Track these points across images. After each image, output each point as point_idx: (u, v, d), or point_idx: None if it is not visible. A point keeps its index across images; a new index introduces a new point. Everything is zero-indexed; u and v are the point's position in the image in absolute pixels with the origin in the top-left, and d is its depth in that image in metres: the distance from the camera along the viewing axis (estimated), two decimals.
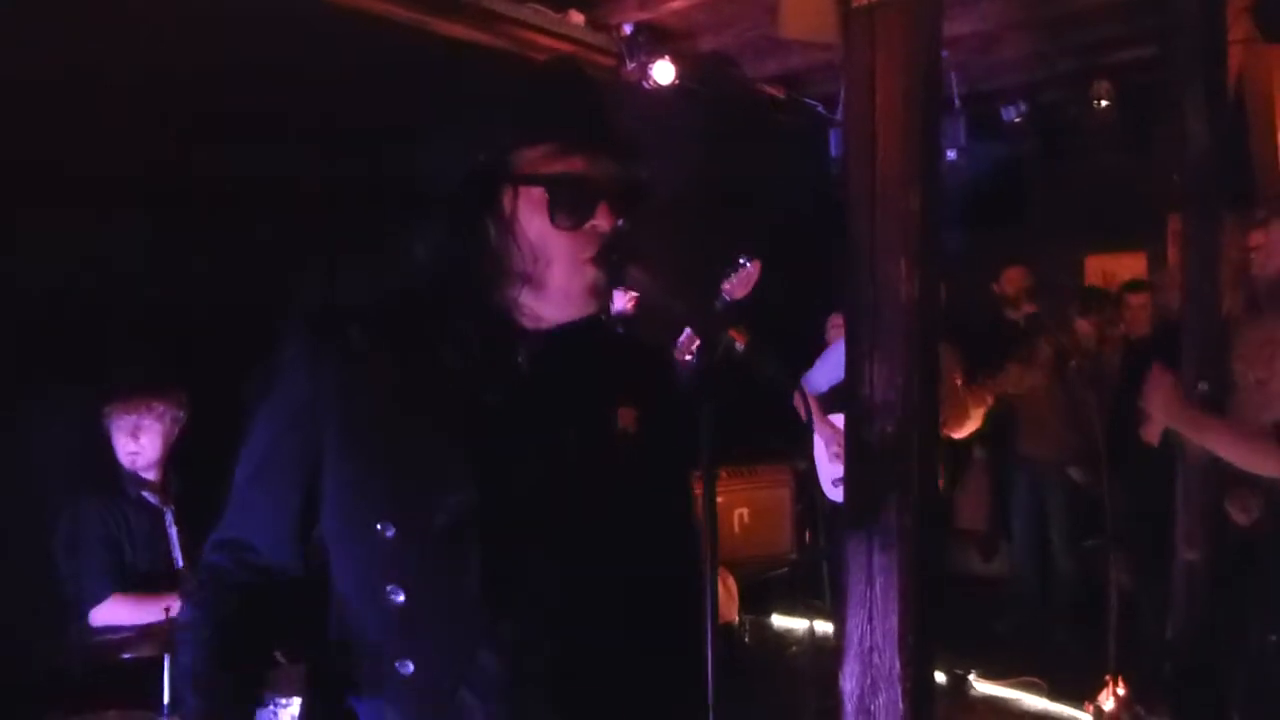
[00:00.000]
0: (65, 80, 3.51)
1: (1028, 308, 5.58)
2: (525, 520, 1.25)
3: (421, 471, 1.26)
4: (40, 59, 3.42)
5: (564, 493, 1.28)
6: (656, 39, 5.49)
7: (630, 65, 5.48)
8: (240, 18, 3.86)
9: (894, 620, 2.39)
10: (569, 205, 1.23)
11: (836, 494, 4.58)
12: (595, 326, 1.33)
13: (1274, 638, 2.22)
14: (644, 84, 5.51)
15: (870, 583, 2.43)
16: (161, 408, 3.17)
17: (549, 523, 1.26)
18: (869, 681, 2.43)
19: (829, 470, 4.66)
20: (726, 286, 3.91)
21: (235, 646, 1.33)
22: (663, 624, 1.33)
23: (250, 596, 1.35)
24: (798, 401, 4.63)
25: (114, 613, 3.01)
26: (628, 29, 5.43)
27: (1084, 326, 5.76)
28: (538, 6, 5.05)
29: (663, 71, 5.49)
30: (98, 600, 3.02)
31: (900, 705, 2.40)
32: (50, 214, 3.45)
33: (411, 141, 1.36)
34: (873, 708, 2.43)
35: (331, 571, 1.34)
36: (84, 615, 3.03)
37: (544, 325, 1.30)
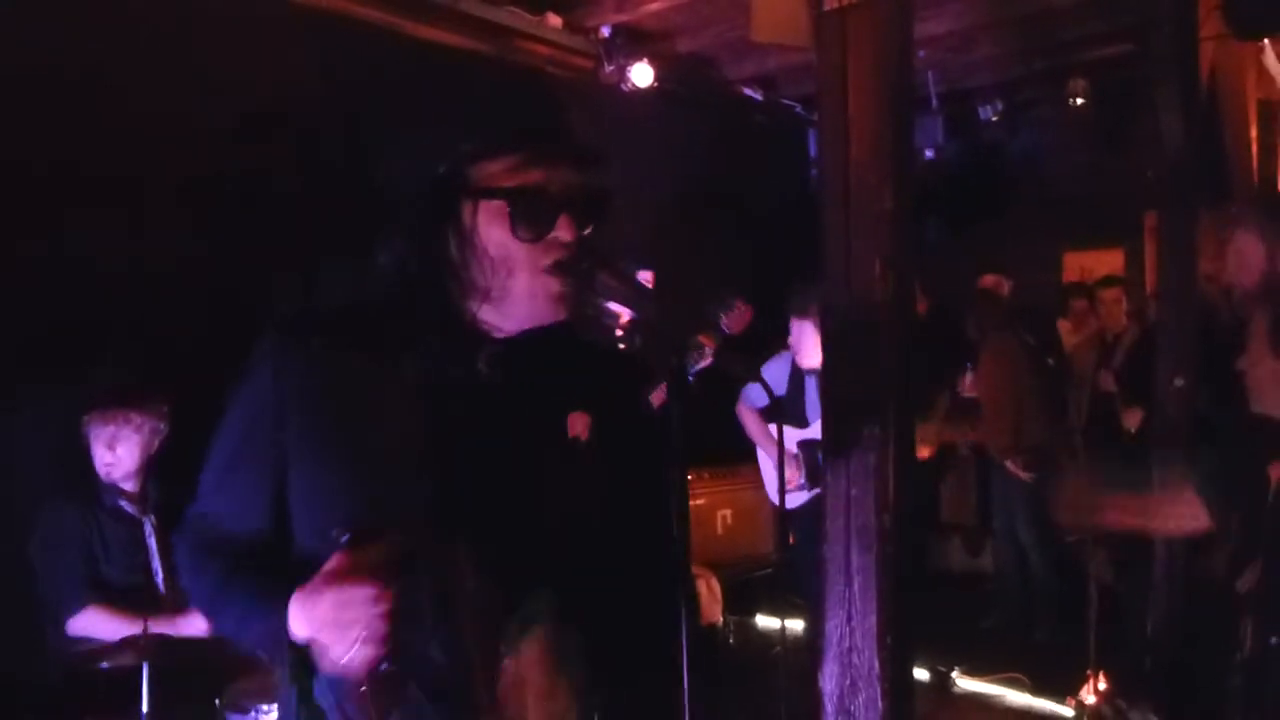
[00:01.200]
0: (52, 85, 3.50)
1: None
2: (476, 524, 1.26)
3: (378, 474, 1.27)
4: (22, 58, 3.41)
5: (517, 497, 1.28)
6: (634, 41, 5.50)
7: (609, 67, 5.49)
8: (212, 20, 3.87)
9: (873, 620, 2.40)
10: (529, 217, 1.23)
11: (786, 501, 4.61)
12: (557, 334, 1.31)
13: (1274, 640, 2.22)
14: (622, 86, 5.52)
15: (849, 583, 2.44)
16: (140, 419, 3.13)
17: (500, 527, 1.27)
18: (848, 682, 2.44)
19: (770, 476, 4.71)
20: (723, 323, 4.01)
21: (240, 562, 1.34)
22: (619, 623, 1.34)
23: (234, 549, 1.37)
24: (739, 414, 4.69)
25: (91, 624, 2.99)
26: (606, 31, 5.44)
27: (1064, 325, 5.83)
28: (515, 9, 5.06)
29: (641, 74, 5.50)
30: (75, 610, 2.99)
31: (880, 704, 2.41)
32: (30, 218, 3.44)
33: (383, 148, 1.35)
34: (852, 708, 2.44)
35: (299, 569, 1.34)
36: (61, 622, 3.00)
37: (505, 332, 1.30)
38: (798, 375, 4.36)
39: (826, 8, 2.42)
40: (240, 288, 3.82)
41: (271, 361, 1.32)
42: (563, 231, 1.24)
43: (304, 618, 1.20)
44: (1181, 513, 2.35)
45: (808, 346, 4.06)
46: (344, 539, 1.23)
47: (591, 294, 1.27)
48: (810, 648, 4.55)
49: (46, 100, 3.51)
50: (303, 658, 1.28)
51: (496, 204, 1.23)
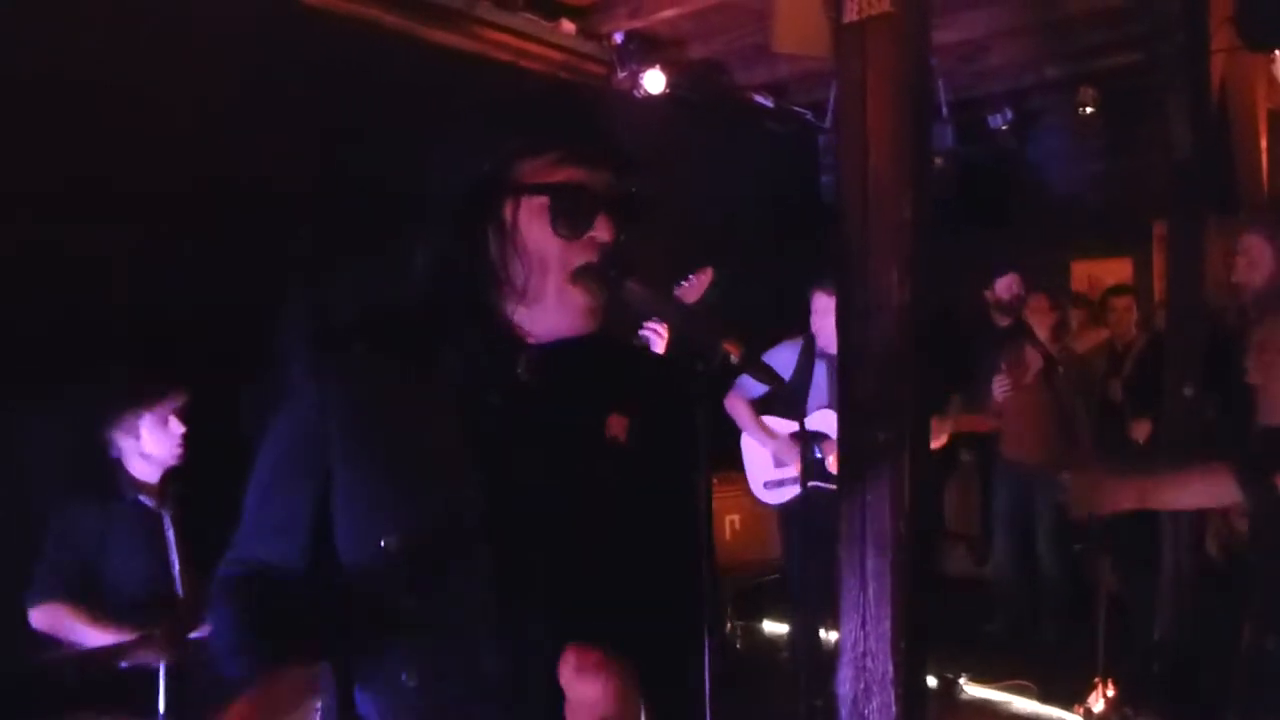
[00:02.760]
0: (62, 84, 3.52)
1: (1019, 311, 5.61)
2: (525, 529, 1.27)
3: (426, 482, 1.28)
4: (28, 60, 3.44)
5: (562, 501, 1.29)
6: (647, 48, 5.53)
7: (621, 74, 5.52)
8: (233, 24, 3.90)
9: (887, 625, 2.42)
10: (570, 213, 1.25)
11: (767, 495, 4.60)
12: (593, 338, 1.33)
13: (1271, 643, 2.25)
14: (635, 92, 5.55)
15: (864, 588, 2.46)
16: (166, 411, 3.17)
17: (548, 531, 1.27)
18: (862, 686, 2.46)
19: (759, 472, 4.63)
20: (677, 294, 3.93)
21: (269, 622, 1.34)
22: (658, 624, 1.33)
23: (271, 588, 1.36)
24: (729, 405, 4.61)
25: (53, 620, 2.95)
26: (619, 38, 5.47)
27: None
28: (530, 16, 5.09)
29: (653, 80, 5.53)
30: (38, 602, 2.96)
31: (894, 709, 2.43)
32: (45, 217, 3.46)
33: (402, 149, 1.37)
34: (866, 711, 2.46)
35: (343, 583, 1.35)
36: (24, 609, 2.95)
37: (539, 338, 1.31)
38: (806, 363, 4.30)
39: (846, 19, 2.45)
40: (251, 287, 3.85)
41: (312, 380, 1.33)
42: (601, 231, 1.26)
43: None
44: (1211, 486, 2.36)
45: (831, 326, 3.95)
46: (395, 545, 1.26)
47: (619, 302, 1.29)
48: (801, 650, 4.59)
49: (49, 100, 3.52)
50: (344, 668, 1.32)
51: (538, 200, 1.25)
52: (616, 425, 1.35)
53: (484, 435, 1.28)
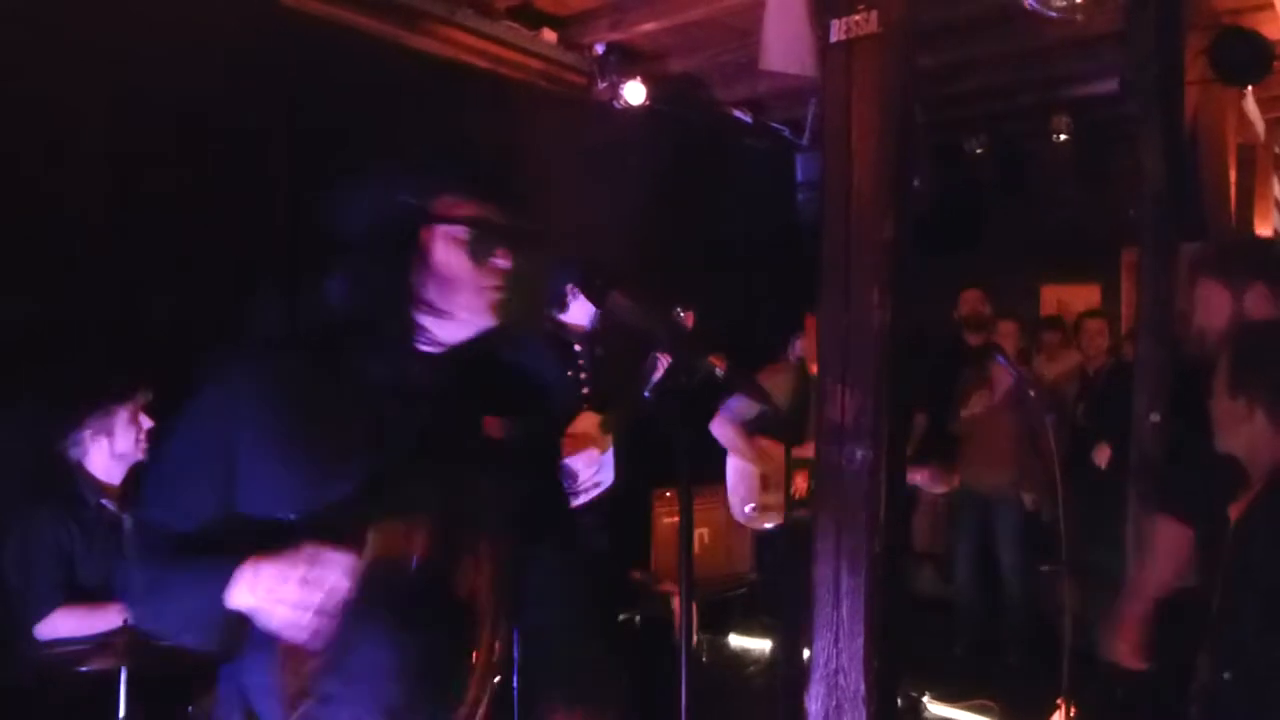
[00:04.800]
0: (43, 93, 3.48)
1: (988, 330, 5.65)
2: (403, 511, 1.43)
3: (321, 468, 1.41)
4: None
5: (440, 489, 1.45)
6: (627, 60, 5.54)
7: (601, 85, 5.53)
8: (212, 25, 3.86)
9: (860, 642, 2.43)
10: (479, 242, 1.45)
11: (751, 520, 4.55)
12: (483, 350, 1.53)
13: (1226, 675, 2.26)
14: (614, 104, 5.55)
15: (837, 605, 2.47)
16: (131, 412, 3.15)
17: (424, 514, 1.44)
18: (834, 703, 2.46)
19: (741, 494, 4.54)
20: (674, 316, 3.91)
21: (184, 551, 1.46)
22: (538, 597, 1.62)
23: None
24: (716, 428, 4.52)
25: (60, 625, 2.94)
26: (599, 49, 5.47)
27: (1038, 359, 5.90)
28: (511, 24, 5.09)
29: (634, 92, 5.54)
30: (44, 613, 2.95)
31: None
32: (10, 221, 3.40)
33: (378, 154, 1.51)
34: None
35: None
36: (29, 627, 2.94)
37: (440, 348, 1.50)
38: (803, 388, 4.22)
39: (833, 39, 2.47)
40: (209, 289, 3.81)
41: (227, 372, 1.48)
42: (501, 259, 1.46)
43: (250, 583, 1.35)
44: (1171, 546, 2.40)
45: None
46: (290, 519, 1.39)
47: (604, 311, 1.50)
48: (782, 669, 4.59)
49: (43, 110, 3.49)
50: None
51: (455, 230, 1.45)
52: (492, 424, 1.54)
53: (378, 431, 1.44)
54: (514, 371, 1.62)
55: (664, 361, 3.46)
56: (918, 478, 4.74)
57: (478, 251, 1.45)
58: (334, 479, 1.40)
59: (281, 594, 1.31)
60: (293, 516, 1.39)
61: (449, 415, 1.50)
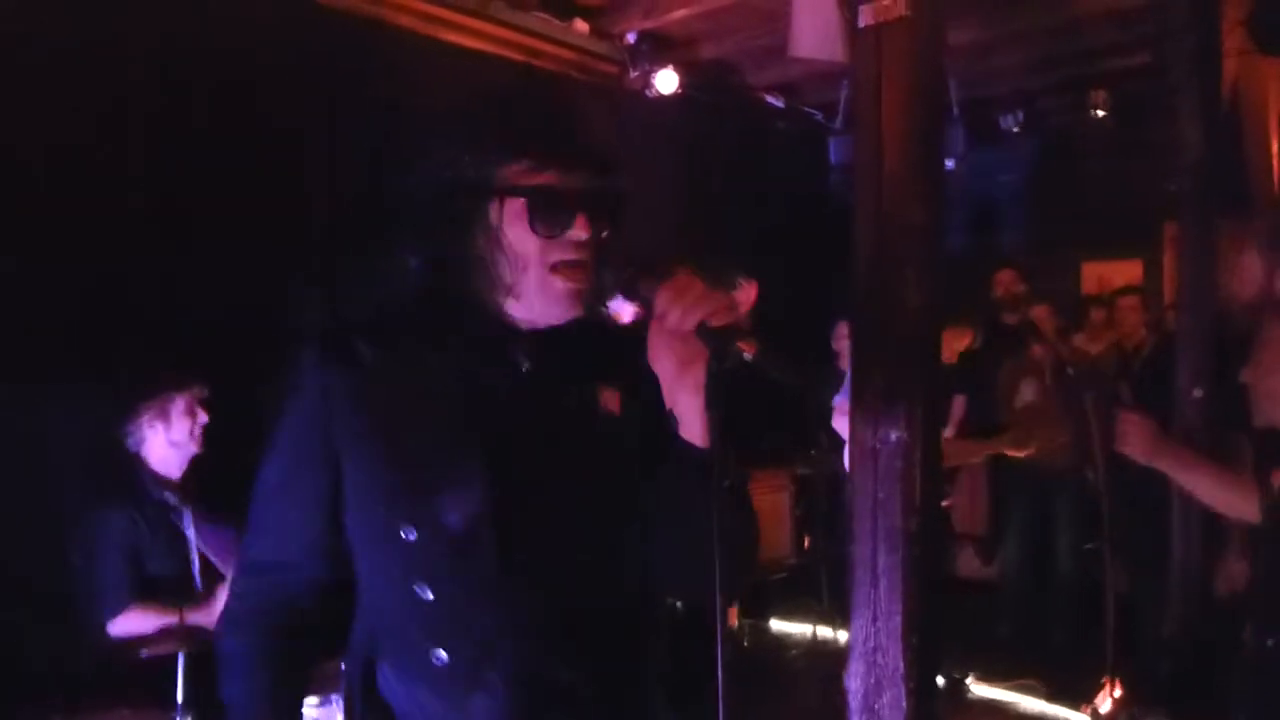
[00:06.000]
0: (76, 72, 3.55)
1: (1023, 310, 5.60)
2: (531, 509, 1.33)
3: (433, 473, 1.33)
4: (42, 48, 3.48)
5: (563, 478, 1.36)
6: (659, 48, 5.56)
7: (634, 74, 5.55)
8: (248, 23, 3.94)
9: (898, 620, 2.45)
10: (547, 214, 1.31)
11: None
12: (581, 321, 1.39)
13: (1270, 642, 2.27)
14: (647, 92, 5.57)
15: (875, 584, 2.49)
16: (188, 404, 3.20)
17: (552, 509, 1.35)
18: (873, 680, 2.49)
19: None
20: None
21: (279, 678, 1.43)
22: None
23: (290, 623, 1.43)
24: (838, 421, 4.48)
25: (133, 624, 3.03)
26: (631, 38, 5.50)
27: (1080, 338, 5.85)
28: (544, 15, 5.12)
29: (666, 80, 5.56)
30: (116, 612, 3.03)
31: (904, 704, 2.45)
32: (65, 215, 3.49)
33: (410, 153, 1.42)
34: (877, 706, 2.49)
35: (360, 571, 1.41)
36: (101, 626, 3.03)
37: (535, 326, 1.37)
38: None
39: (862, 24, 2.48)
40: (262, 286, 3.89)
41: (317, 380, 1.38)
42: (579, 230, 1.32)
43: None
44: (1236, 496, 2.39)
45: None
46: (411, 537, 1.31)
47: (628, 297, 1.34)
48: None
49: (78, 93, 3.57)
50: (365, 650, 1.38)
51: (518, 202, 1.31)
52: (610, 398, 1.41)
53: (485, 423, 1.35)
54: (616, 338, 1.47)
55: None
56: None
57: (543, 224, 1.31)
58: (444, 481, 1.33)
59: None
60: (412, 536, 1.32)
61: (564, 397, 1.39)
